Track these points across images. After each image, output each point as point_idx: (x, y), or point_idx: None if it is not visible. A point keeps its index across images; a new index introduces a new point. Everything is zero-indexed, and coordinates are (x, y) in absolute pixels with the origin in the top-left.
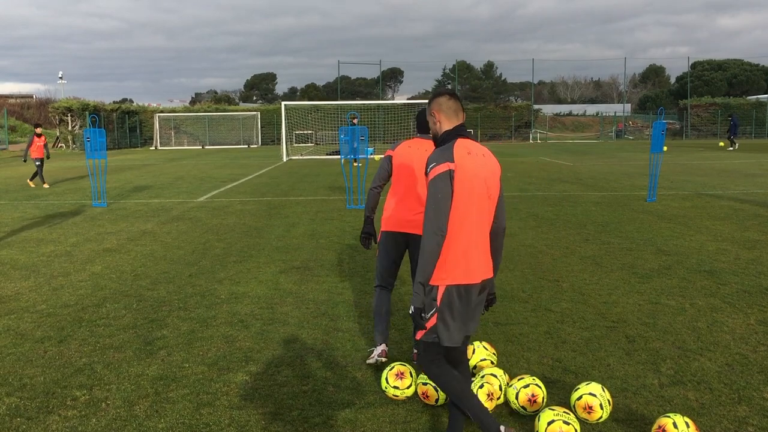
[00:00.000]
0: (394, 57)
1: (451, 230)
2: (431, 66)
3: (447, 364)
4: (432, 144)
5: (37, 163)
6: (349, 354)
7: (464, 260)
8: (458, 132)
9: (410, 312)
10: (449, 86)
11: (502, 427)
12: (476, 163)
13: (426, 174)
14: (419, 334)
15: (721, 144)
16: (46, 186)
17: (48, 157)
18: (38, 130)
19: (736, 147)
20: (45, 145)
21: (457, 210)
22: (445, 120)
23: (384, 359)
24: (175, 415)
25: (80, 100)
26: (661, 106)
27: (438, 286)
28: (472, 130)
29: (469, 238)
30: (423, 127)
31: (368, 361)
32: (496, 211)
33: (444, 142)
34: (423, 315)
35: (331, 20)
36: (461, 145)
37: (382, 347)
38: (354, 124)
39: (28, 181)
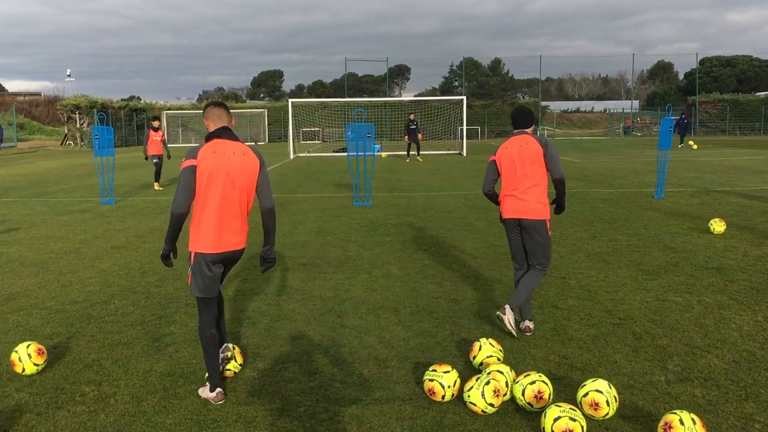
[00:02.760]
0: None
1: (197, 211)
2: (438, 63)
3: (211, 317)
4: (528, 137)
5: (155, 161)
6: (355, 351)
7: (213, 235)
8: (216, 134)
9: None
10: (456, 83)
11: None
12: (221, 159)
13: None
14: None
15: (694, 147)
16: (157, 188)
17: (169, 157)
18: (155, 124)
19: (684, 146)
20: (163, 142)
21: (199, 195)
22: (211, 123)
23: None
24: (183, 411)
25: (88, 98)
26: (670, 102)
27: (191, 252)
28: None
29: (216, 218)
30: (518, 124)
31: (507, 328)
32: (260, 196)
33: (206, 140)
34: (168, 259)
35: (337, 17)
36: (210, 145)
37: (511, 315)
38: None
39: (155, 185)
